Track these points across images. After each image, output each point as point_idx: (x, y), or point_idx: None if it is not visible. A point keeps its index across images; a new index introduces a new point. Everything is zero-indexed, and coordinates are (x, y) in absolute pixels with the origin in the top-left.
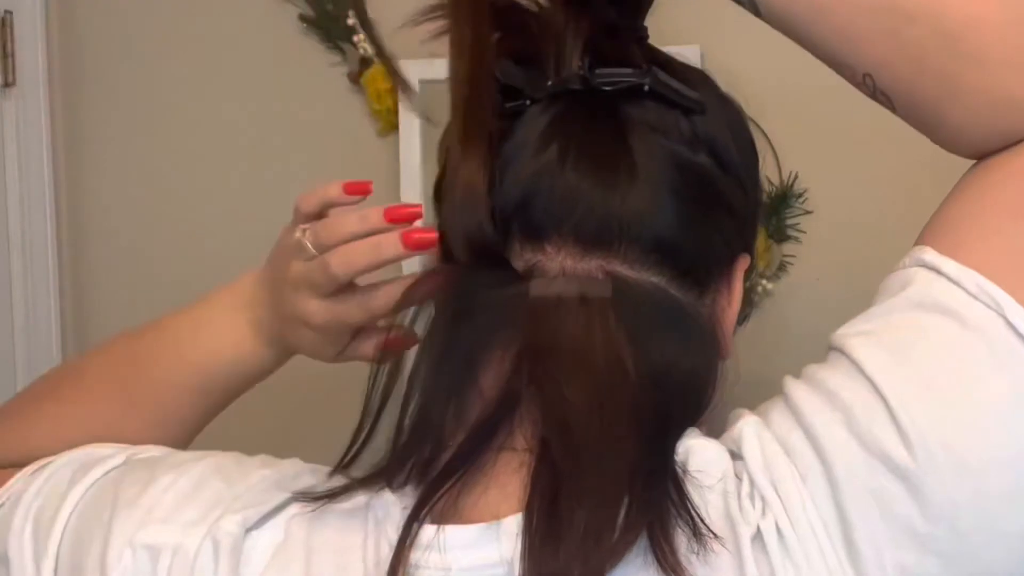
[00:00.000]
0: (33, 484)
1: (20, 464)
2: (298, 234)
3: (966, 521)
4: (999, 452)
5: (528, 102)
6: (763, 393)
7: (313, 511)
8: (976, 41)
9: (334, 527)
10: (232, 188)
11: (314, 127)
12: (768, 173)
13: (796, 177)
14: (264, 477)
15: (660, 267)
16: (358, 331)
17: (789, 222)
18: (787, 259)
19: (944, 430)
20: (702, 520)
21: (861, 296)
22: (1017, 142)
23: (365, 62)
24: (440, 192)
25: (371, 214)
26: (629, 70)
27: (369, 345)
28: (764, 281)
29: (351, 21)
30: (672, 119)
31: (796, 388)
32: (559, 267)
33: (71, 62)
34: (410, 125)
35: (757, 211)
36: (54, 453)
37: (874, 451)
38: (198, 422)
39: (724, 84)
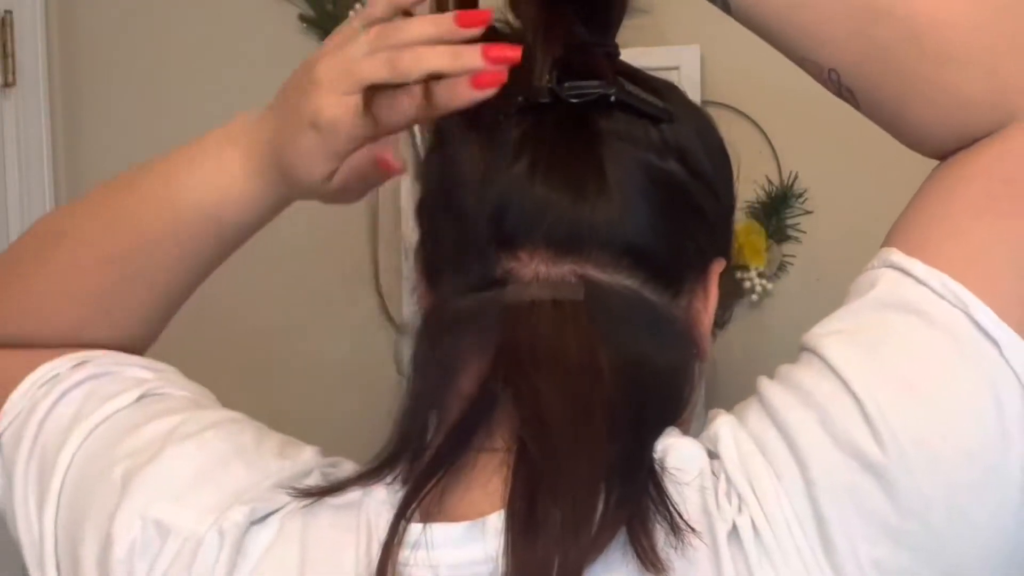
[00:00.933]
0: (43, 402)
1: (14, 342)
2: (357, 23)
3: (937, 515)
4: (968, 444)
5: (501, 116)
6: None
7: (306, 506)
8: (941, 41)
9: (328, 522)
10: None
11: None
12: (768, 173)
13: (796, 177)
14: (281, 468)
15: (632, 270)
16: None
17: (789, 222)
18: (787, 259)
19: (915, 425)
20: (680, 515)
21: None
22: (976, 141)
23: None
24: (423, 210)
25: (443, 19)
26: (596, 82)
27: (360, 168)
28: (764, 281)
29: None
30: (640, 128)
31: (770, 388)
32: (533, 273)
33: (71, 62)
34: None
35: (731, 216)
36: (50, 336)
37: (847, 448)
38: (187, 279)
39: (724, 84)
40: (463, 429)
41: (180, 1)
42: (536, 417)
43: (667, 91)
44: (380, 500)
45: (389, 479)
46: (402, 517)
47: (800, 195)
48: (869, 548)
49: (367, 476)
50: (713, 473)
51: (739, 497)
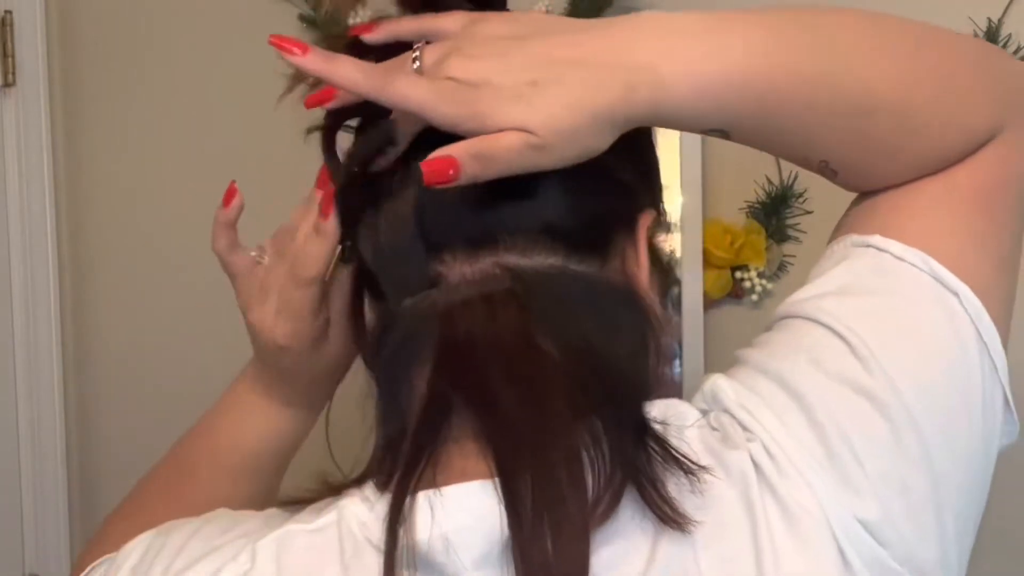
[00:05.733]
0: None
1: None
2: (258, 261)
3: (928, 429)
4: (942, 367)
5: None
6: None
7: (278, 537)
8: (917, 118)
9: (303, 546)
10: None
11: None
12: (768, 173)
13: (796, 177)
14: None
15: (551, 248)
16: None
17: (789, 222)
18: (787, 259)
19: (896, 356)
20: (687, 457)
21: None
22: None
23: None
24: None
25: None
26: None
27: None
28: (764, 281)
29: (351, 21)
30: None
31: (751, 352)
32: (459, 273)
33: (71, 62)
34: None
35: (650, 169)
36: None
37: (838, 379)
38: (254, 502)
39: None
40: (422, 433)
41: (180, 1)
42: (488, 410)
43: None
44: (361, 513)
45: (366, 493)
46: (404, 493)
47: (800, 195)
48: (874, 462)
49: (354, 483)
50: (712, 426)
51: (746, 429)
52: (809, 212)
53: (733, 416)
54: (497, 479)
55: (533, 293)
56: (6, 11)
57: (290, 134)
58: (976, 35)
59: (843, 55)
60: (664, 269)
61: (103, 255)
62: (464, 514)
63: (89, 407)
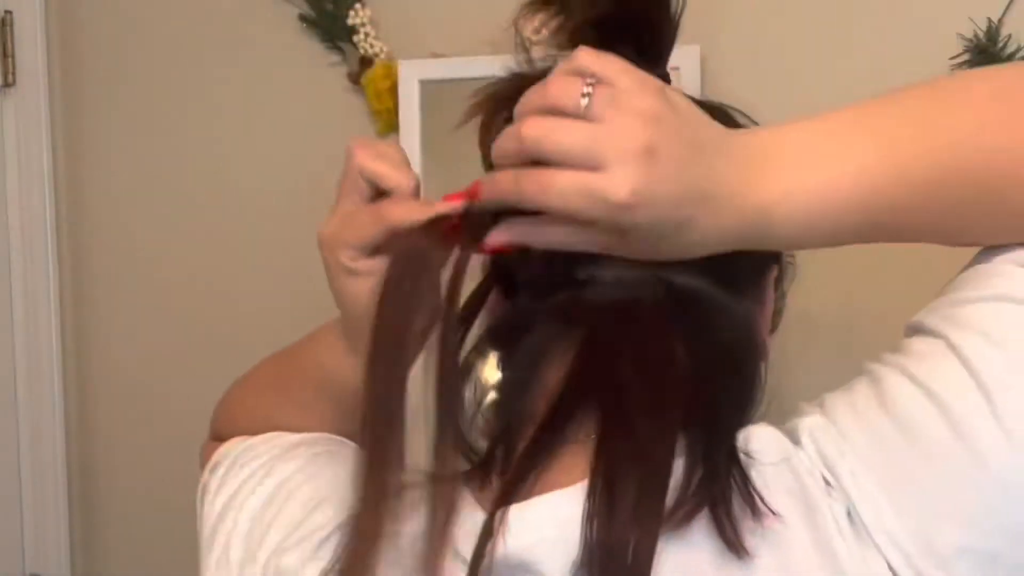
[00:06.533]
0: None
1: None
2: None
3: None
4: None
5: None
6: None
7: None
8: None
9: None
10: (231, 188)
11: (314, 127)
12: None
13: None
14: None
15: (703, 274)
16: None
17: None
18: (787, 259)
19: None
20: (762, 499)
21: (861, 296)
22: None
23: (365, 62)
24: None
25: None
26: None
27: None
28: None
29: (351, 21)
30: None
31: (892, 379)
32: (614, 276)
33: (71, 62)
34: (410, 125)
35: None
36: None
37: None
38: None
39: (724, 84)
40: (553, 424)
41: (180, 1)
42: (618, 407)
43: (721, 116)
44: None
45: (480, 482)
46: (504, 504)
47: None
48: (959, 536)
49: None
50: (797, 463)
51: (829, 483)
52: None
53: (813, 464)
54: (599, 480)
55: (682, 308)
56: (6, 11)
57: (291, 134)
58: (976, 35)
59: (962, 144)
60: (774, 325)
61: (103, 255)
62: (548, 526)
63: (89, 408)
